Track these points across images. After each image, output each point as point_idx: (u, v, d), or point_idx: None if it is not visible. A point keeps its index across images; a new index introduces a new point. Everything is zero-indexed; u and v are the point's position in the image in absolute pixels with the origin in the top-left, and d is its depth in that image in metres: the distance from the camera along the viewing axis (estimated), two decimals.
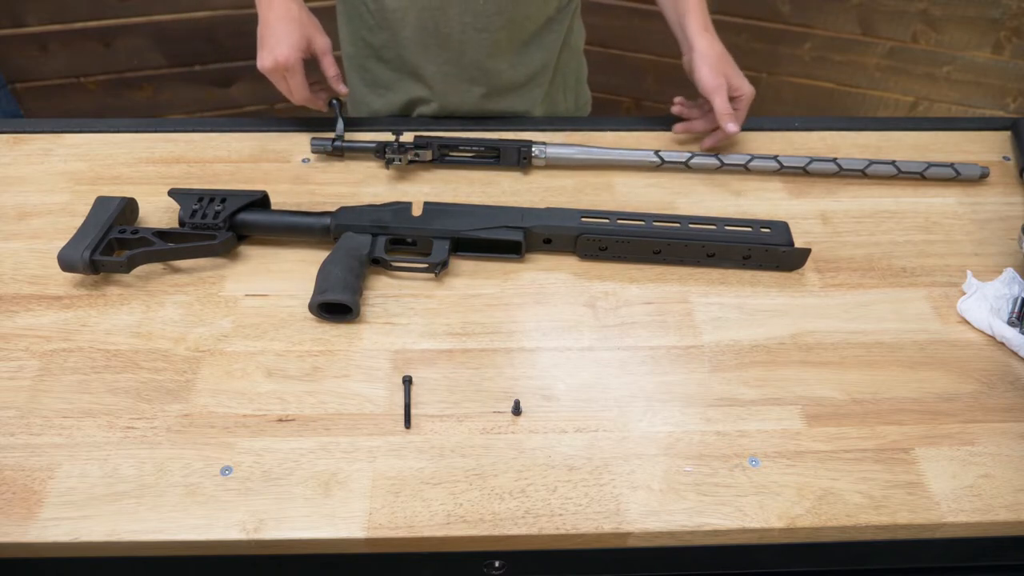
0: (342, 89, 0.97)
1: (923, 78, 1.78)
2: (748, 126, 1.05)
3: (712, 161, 0.96)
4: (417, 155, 0.96)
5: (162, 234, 0.83)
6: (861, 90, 1.84)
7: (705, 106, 0.98)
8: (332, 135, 0.97)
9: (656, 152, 0.96)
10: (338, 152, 0.97)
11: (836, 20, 1.74)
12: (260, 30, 0.92)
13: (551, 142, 0.97)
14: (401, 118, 1.09)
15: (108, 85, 1.83)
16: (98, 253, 0.80)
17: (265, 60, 0.91)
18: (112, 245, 0.83)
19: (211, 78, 1.87)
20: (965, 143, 1.04)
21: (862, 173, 0.96)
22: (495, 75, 1.05)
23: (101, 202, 0.86)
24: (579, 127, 1.05)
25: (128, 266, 0.81)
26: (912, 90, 1.81)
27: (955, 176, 0.96)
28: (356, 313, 0.79)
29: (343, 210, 0.86)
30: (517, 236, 0.84)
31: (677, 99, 1.03)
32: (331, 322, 0.79)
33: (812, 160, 0.96)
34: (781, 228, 0.85)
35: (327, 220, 0.85)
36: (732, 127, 0.94)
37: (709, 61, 0.94)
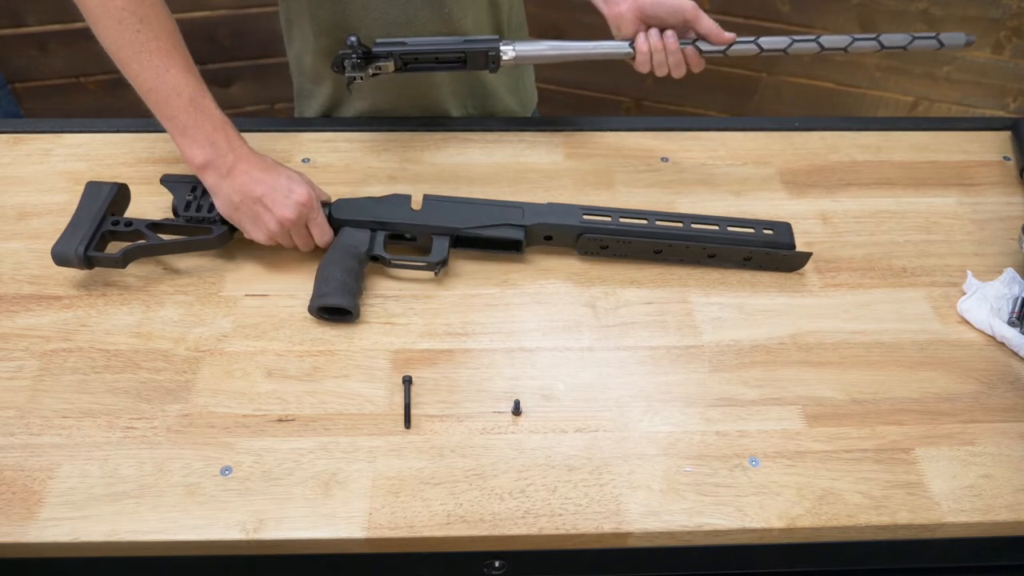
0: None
1: (923, 78, 1.78)
2: (748, 126, 1.06)
3: (687, 47, 0.85)
4: (379, 68, 0.89)
5: (156, 226, 0.82)
6: (861, 90, 1.84)
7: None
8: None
9: (630, 43, 0.87)
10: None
11: (836, 20, 1.74)
12: (250, 195, 0.78)
13: (520, 46, 0.89)
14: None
15: (108, 85, 1.83)
16: (92, 248, 0.79)
17: (285, 211, 0.78)
18: (106, 237, 0.81)
19: (211, 78, 1.85)
20: (965, 143, 1.04)
21: (844, 51, 0.86)
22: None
23: (92, 188, 0.83)
24: (578, 127, 1.05)
25: (123, 261, 0.80)
26: (912, 90, 1.81)
27: (939, 47, 0.86)
28: (356, 316, 0.79)
29: (341, 202, 0.85)
30: (518, 235, 0.84)
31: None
32: (331, 323, 0.79)
33: (793, 41, 0.86)
34: (784, 229, 0.85)
35: (325, 211, 0.83)
36: (730, 35, 0.84)
37: None
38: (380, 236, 0.83)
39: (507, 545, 0.66)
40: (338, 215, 0.83)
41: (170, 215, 0.86)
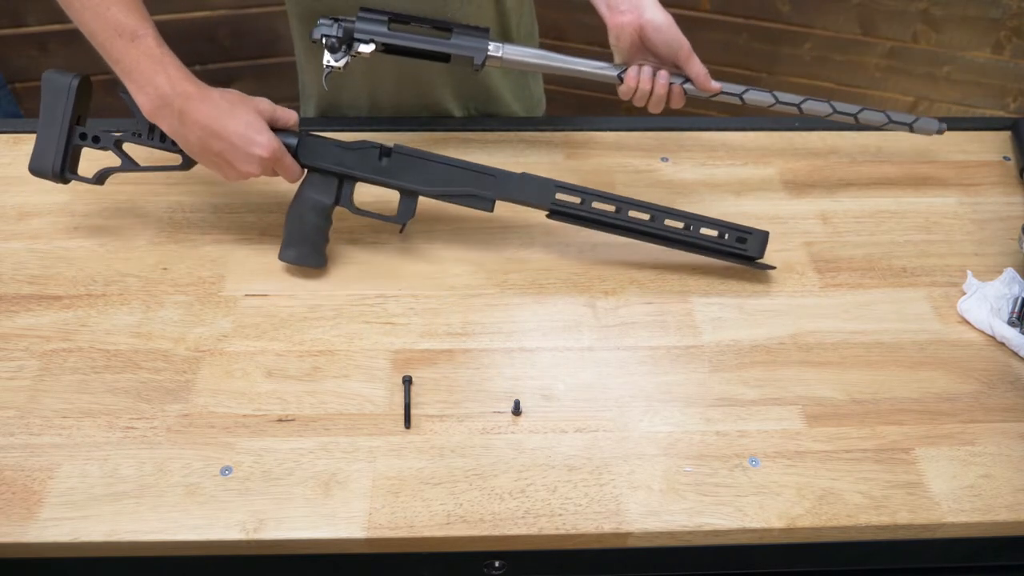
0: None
1: (923, 78, 1.78)
2: (748, 126, 1.06)
3: (675, 85, 0.86)
4: (357, 53, 0.87)
5: (122, 143, 0.82)
6: (861, 90, 1.84)
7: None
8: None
9: (620, 73, 0.87)
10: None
11: (836, 20, 1.74)
12: (209, 149, 0.75)
13: (509, 49, 0.88)
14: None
15: (108, 85, 1.82)
16: (67, 169, 0.82)
17: (247, 167, 0.76)
18: (78, 150, 0.83)
19: (211, 78, 1.85)
20: (965, 143, 1.04)
21: (822, 118, 0.90)
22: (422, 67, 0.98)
23: (52, 82, 0.81)
24: (578, 127, 1.05)
25: (98, 180, 0.84)
26: (912, 90, 1.81)
27: (911, 132, 0.92)
28: (323, 265, 0.84)
29: (308, 142, 0.81)
30: (485, 207, 0.83)
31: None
32: (299, 266, 0.82)
33: (777, 101, 0.88)
34: (759, 239, 0.83)
35: (293, 141, 0.81)
36: (716, 85, 0.85)
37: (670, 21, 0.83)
38: (348, 185, 0.83)
39: (507, 545, 0.66)
40: (305, 160, 0.82)
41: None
